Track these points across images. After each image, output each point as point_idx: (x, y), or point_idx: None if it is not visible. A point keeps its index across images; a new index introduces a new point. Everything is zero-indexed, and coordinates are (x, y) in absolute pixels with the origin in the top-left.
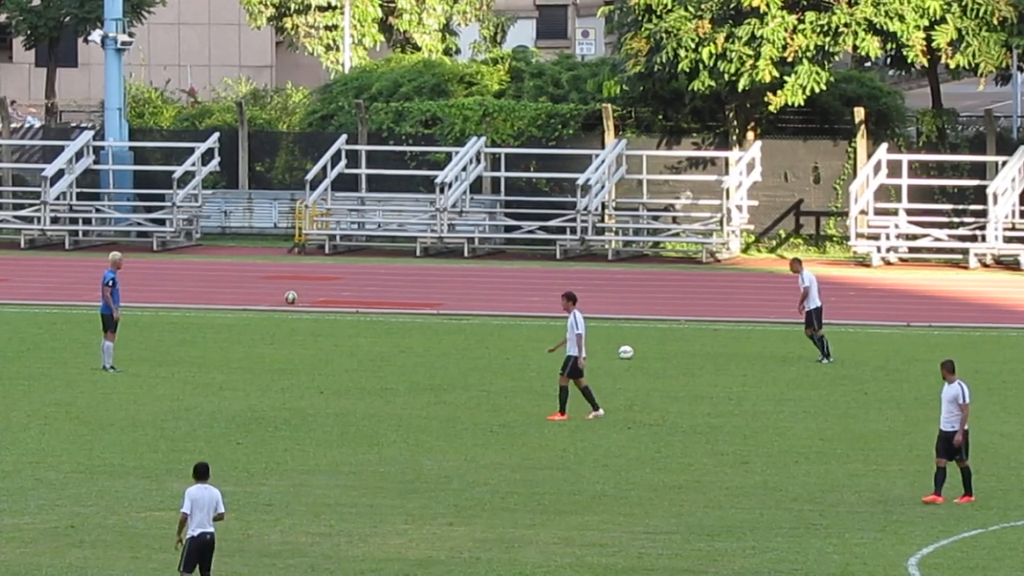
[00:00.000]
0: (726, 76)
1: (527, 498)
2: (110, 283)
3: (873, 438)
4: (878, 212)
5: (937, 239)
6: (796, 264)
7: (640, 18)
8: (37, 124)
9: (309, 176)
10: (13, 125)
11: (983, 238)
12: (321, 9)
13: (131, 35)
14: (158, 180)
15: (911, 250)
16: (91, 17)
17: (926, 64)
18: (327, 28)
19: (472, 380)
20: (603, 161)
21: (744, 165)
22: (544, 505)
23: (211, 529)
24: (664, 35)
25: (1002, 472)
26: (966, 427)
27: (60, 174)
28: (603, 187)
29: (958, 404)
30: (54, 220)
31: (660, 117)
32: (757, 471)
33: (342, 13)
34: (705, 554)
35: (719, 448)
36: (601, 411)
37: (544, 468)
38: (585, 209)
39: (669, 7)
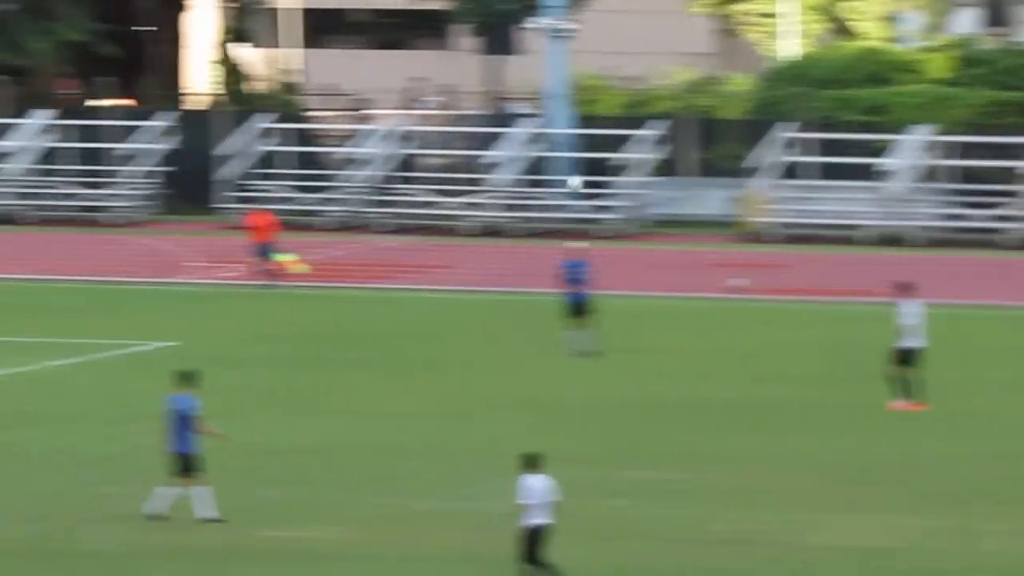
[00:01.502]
0: None
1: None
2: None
3: None
4: None
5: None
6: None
7: None
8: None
9: (753, 164)
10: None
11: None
12: None
13: (574, 23)
14: (603, 167)
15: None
16: (533, 6)
17: None
18: (765, 16)
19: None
20: None
21: None
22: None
23: (551, 520)
24: None
25: None
26: None
27: (504, 161)
28: None
29: None
30: (502, 207)
31: None
32: None
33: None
34: None
35: None
36: None
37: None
38: None
39: None
